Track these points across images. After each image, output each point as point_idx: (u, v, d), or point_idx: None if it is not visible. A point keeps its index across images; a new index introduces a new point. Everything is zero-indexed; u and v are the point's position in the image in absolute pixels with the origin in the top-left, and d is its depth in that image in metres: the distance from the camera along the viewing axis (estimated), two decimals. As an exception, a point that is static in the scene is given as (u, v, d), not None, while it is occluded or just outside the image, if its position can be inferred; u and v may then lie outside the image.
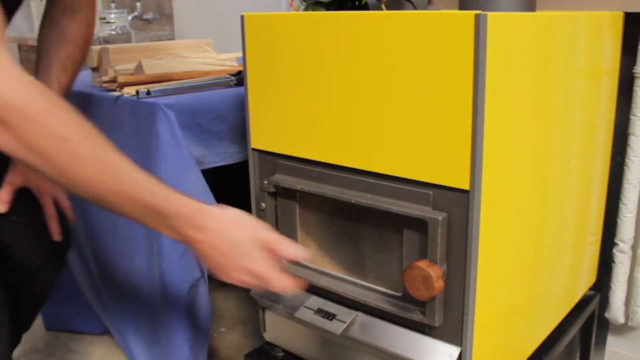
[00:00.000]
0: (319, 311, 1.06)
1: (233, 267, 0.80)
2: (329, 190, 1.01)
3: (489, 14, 0.77)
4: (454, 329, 0.92)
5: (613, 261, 1.33)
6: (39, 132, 0.71)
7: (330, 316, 1.04)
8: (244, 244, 0.81)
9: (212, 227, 0.79)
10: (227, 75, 1.40)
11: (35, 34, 3.28)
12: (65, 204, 1.11)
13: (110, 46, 1.37)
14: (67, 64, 1.09)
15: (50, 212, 1.09)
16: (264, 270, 0.81)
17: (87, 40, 1.11)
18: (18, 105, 0.69)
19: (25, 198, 1.06)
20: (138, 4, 2.65)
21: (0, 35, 0.74)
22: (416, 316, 0.95)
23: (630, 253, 1.31)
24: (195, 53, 1.55)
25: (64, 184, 0.76)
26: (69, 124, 0.75)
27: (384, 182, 0.94)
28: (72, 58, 1.09)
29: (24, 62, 2.69)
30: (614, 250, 1.32)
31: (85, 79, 1.58)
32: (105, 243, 1.43)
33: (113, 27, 1.69)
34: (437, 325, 0.93)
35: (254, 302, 1.20)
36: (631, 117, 1.23)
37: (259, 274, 0.81)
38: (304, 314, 1.07)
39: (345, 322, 1.02)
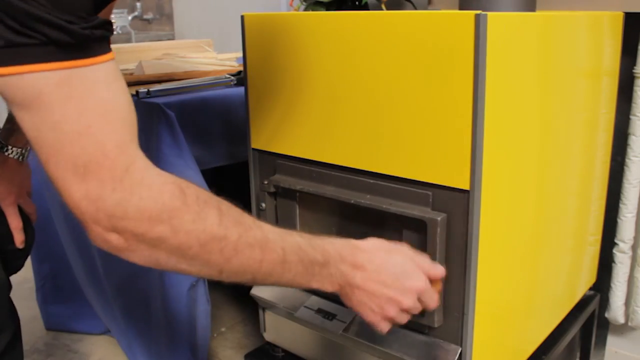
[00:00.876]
0: (319, 311, 1.06)
1: (399, 293, 0.76)
2: (329, 190, 1.01)
3: (489, 14, 0.77)
4: (454, 329, 0.92)
5: (613, 261, 1.33)
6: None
7: (330, 316, 1.04)
8: (408, 264, 0.77)
9: (373, 260, 0.76)
10: (227, 75, 1.40)
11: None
12: (31, 208, 1.08)
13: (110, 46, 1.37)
14: None
15: (15, 223, 1.04)
16: (427, 288, 0.78)
17: None
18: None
19: None
20: (138, 4, 2.65)
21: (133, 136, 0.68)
22: (415, 317, 0.95)
23: (630, 253, 1.31)
24: (195, 53, 1.55)
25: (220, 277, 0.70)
26: (222, 223, 0.66)
27: (383, 182, 0.94)
28: None
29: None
30: (614, 250, 1.32)
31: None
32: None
33: (113, 27, 1.70)
34: (436, 325, 0.93)
35: (254, 302, 1.20)
36: (631, 117, 1.23)
37: (424, 292, 0.77)
38: (304, 314, 1.07)
39: (345, 322, 1.02)
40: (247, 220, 0.68)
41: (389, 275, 0.75)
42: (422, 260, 0.79)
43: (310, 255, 0.72)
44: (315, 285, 0.74)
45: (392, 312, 0.76)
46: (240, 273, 0.68)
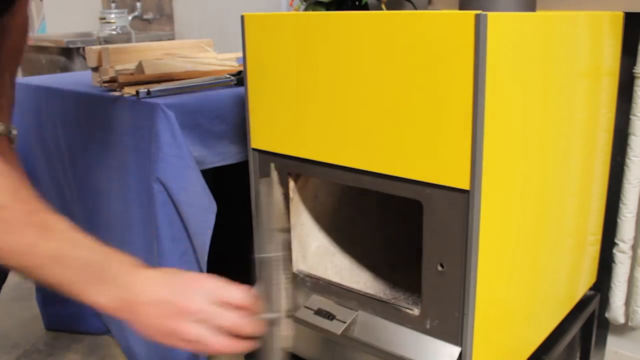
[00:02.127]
0: (319, 311, 1.06)
1: (162, 331, 0.70)
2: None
3: (489, 14, 0.77)
4: (454, 329, 0.92)
5: (613, 261, 1.33)
6: None
7: (330, 316, 1.04)
8: (174, 304, 0.70)
9: (140, 286, 0.70)
10: (228, 75, 1.40)
11: (34, 33, 3.27)
12: None
13: (110, 46, 1.37)
14: (14, 53, 1.10)
15: None
16: (198, 334, 0.70)
17: (26, 29, 1.12)
18: None
19: None
20: (138, 4, 2.65)
21: None
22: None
23: (630, 253, 1.31)
24: (195, 53, 1.54)
25: None
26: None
27: (383, 182, 0.94)
28: (18, 47, 1.10)
29: (24, 62, 2.69)
30: (614, 250, 1.32)
31: (85, 79, 1.58)
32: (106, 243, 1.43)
33: (113, 27, 1.69)
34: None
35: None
36: (631, 117, 1.23)
37: (193, 339, 0.70)
38: (304, 314, 1.07)
39: (345, 322, 1.02)
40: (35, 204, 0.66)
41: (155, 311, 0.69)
42: (223, 291, 0.72)
43: (93, 260, 0.68)
44: (93, 297, 0.68)
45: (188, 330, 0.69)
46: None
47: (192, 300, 0.70)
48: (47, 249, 0.66)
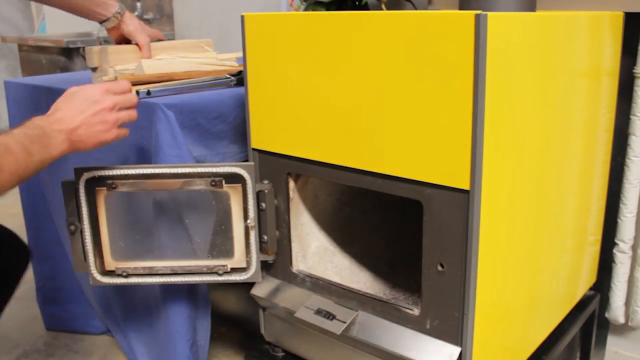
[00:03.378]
0: (319, 311, 1.06)
1: (97, 102, 0.97)
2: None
3: (489, 14, 0.77)
4: (454, 329, 0.92)
5: (613, 261, 1.33)
6: None
7: (330, 316, 1.04)
8: (84, 92, 0.98)
9: (59, 104, 0.97)
10: (228, 75, 1.40)
11: (35, 34, 3.27)
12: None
13: (110, 46, 1.37)
14: None
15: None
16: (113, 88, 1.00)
17: None
18: None
19: None
20: (138, 4, 2.65)
21: None
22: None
23: (630, 253, 1.31)
24: (195, 53, 1.54)
25: None
26: None
27: (383, 182, 0.94)
28: None
29: (24, 62, 2.69)
30: (614, 250, 1.32)
31: (85, 79, 1.58)
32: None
33: (113, 27, 1.69)
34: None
35: (254, 302, 1.20)
36: (631, 117, 1.23)
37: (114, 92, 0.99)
38: (304, 314, 1.07)
39: (345, 322, 1.02)
40: None
41: (81, 103, 0.97)
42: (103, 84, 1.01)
43: (31, 136, 0.89)
44: (54, 152, 0.91)
45: (110, 116, 0.98)
46: None
47: (98, 100, 0.98)
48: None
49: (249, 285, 1.17)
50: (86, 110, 0.96)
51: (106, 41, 1.68)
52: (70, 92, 0.99)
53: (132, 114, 1.03)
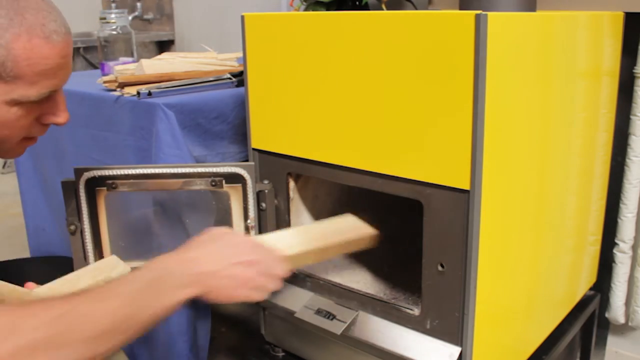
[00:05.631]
0: (319, 311, 1.06)
1: (231, 270, 0.79)
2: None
3: (490, 14, 0.77)
4: (454, 329, 0.92)
5: (613, 261, 1.33)
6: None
7: (330, 316, 1.04)
8: (230, 239, 0.82)
9: (196, 246, 0.80)
10: (228, 75, 1.40)
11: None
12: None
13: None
14: None
15: None
16: (263, 257, 0.82)
17: None
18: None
19: None
20: (138, 4, 2.65)
21: None
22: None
23: (630, 253, 1.31)
24: (196, 53, 1.55)
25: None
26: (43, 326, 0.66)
27: (383, 181, 0.94)
28: None
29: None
30: (615, 250, 1.32)
31: (85, 79, 1.58)
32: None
33: (113, 27, 1.69)
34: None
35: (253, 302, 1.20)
36: (631, 117, 1.23)
37: (260, 264, 0.81)
38: (304, 314, 1.07)
39: (345, 322, 1.02)
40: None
41: (225, 247, 0.80)
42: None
43: (142, 279, 0.73)
44: (172, 298, 0.73)
45: (250, 273, 0.80)
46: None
47: (243, 252, 0.81)
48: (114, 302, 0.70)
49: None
50: (230, 257, 0.79)
51: (106, 41, 1.68)
52: (214, 233, 0.83)
53: (272, 283, 0.83)
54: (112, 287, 0.72)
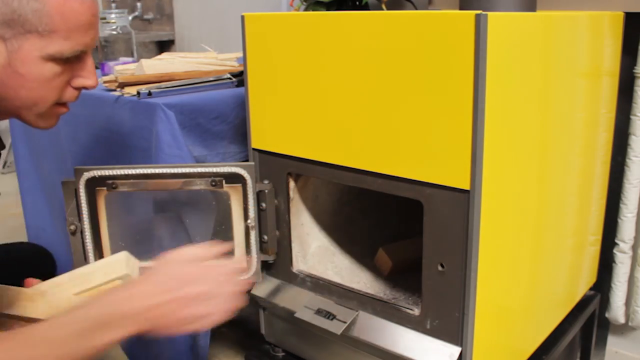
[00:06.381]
0: (319, 311, 1.06)
1: (179, 305, 0.74)
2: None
3: (490, 14, 0.77)
4: (454, 329, 0.92)
5: (613, 261, 1.33)
6: None
7: (330, 316, 1.04)
8: (179, 268, 0.77)
9: (145, 277, 0.76)
10: (228, 75, 1.40)
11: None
12: None
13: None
14: None
15: None
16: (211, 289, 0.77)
17: None
18: None
19: None
20: (138, 4, 2.65)
21: None
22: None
23: (630, 253, 1.31)
24: (196, 53, 1.55)
25: None
26: None
27: (383, 181, 0.94)
28: None
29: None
30: (615, 250, 1.32)
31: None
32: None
33: (113, 27, 1.69)
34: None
35: (254, 302, 1.20)
36: (631, 117, 1.23)
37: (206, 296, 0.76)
38: (304, 314, 1.07)
39: (345, 322, 1.02)
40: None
41: (168, 281, 0.75)
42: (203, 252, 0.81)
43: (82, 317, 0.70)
44: (107, 339, 0.70)
45: (194, 308, 0.75)
46: None
47: (190, 282, 0.76)
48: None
49: None
50: (173, 290, 0.74)
51: (106, 41, 1.68)
52: (165, 260, 0.79)
53: (221, 315, 0.78)
54: (43, 331, 0.69)
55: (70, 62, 0.78)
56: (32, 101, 0.79)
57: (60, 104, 0.84)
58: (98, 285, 0.87)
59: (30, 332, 0.70)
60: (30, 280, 0.89)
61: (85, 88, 0.84)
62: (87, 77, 0.83)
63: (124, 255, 0.91)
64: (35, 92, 0.78)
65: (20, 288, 0.86)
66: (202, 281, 0.76)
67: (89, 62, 0.82)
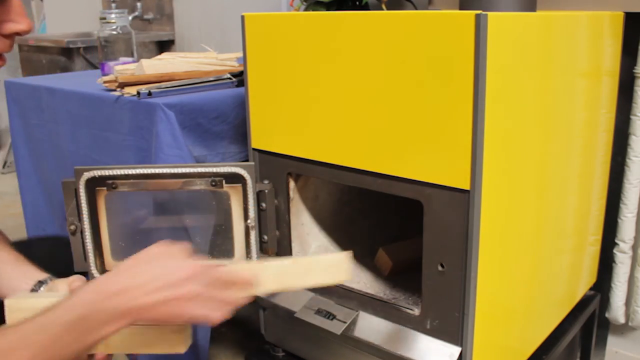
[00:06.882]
0: (319, 311, 1.06)
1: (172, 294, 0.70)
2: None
3: (490, 14, 0.77)
4: (454, 329, 0.92)
5: (613, 261, 1.33)
6: None
7: (330, 316, 1.04)
8: (166, 263, 0.73)
9: (129, 271, 0.71)
10: (228, 75, 1.40)
11: (35, 34, 3.27)
12: None
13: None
14: None
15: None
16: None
17: None
18: None
19: None
20: (138, 4, 2.65)
21: None
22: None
23: (630, 253, 1.31)
24: (196, 53, 1.55)
25: None
26: None
27: (382, 181, 0.94)
28: None
29: (24, 62, 2.69)
30: (615, 250, 1.32)
31: (85, 79, 1.58)
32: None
33: (113, 27, 1.69)
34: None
35: (254, 302, 1.20)
36: (631, 117, 1.23)
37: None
38: (304, 314, 1.07)
39: (345, 322, 1.02)
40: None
41: (156, 279, 0.70)
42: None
43: (60, 322, 0.67)
44: (96, 337, 0.68)
45: (184, 307, 0.71)
46: None
47: (178, 281, 0.71)
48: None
49: None
50: (162, 289, 0.70)
51: (106, 41, 1.68)
52: (150, 255, 0.74)
53: (216, 313, 0.74)
54: (25, 333, 0.67)
55: None
56: None
57: None
58: (314, 285, 0.83)
59: (13, 332, 0.67)
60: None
61: (18, 34, 0.73)
62: (17, 20, 0.73)
63: (345, 256, 0.83)
64: None
65: None
66: (196, 281, 0.72)
67: (15, 3, 0.72)
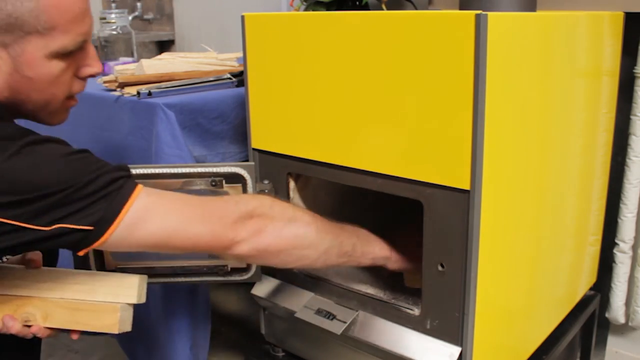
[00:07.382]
0: (319, 311, 1.06)
1: None
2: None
3: (490, 14, 0.77)
4: (454, 329, 0.92)
5: (613, 261, 1.33)
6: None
7: (330, 316, 1.04)
8: None
9: None
10: (228, 75, 1.40)
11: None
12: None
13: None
14: None
15: None
16: None
17: None
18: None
19: None
20: (138, 4, 2.65)
21: None
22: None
23: (630, 253, 1.31)
24: (196, 53, 1.55)
25: None
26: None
27: (382, 181, 0.94)
28: None
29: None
30: (615, 250, 1.32)
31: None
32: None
33: (113, 27, 1.69)
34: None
35: (254, 302, 1.20)
36: (631, 117, 1.23)
37: None
38: (304, 314, 1.07)
39: (345, 322, 1.02)
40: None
41: None
42: None
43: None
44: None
45: None
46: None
47: None
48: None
49: (249, 285, 1.17)
50: None
51: (106, 41, 1.68)
52: None
53: None
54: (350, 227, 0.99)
55: (73, 54, 0.79)
56: (45, 101, 0.80)
57: (69, 97, 0.84)
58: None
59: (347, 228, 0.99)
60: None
61: (92, 76, 0.84)
62: (92, 64, 0.83)
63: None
64: (46, 92, 0.78)
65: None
66: None
67: (91, 50, 0.83)
